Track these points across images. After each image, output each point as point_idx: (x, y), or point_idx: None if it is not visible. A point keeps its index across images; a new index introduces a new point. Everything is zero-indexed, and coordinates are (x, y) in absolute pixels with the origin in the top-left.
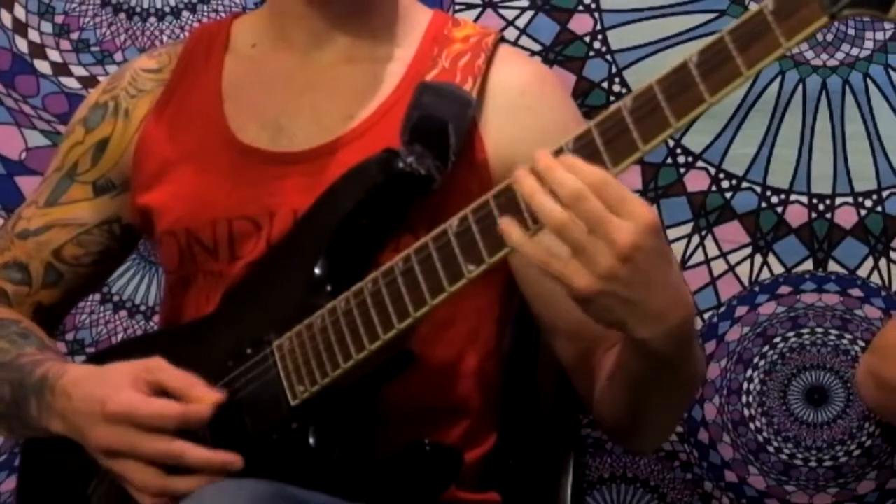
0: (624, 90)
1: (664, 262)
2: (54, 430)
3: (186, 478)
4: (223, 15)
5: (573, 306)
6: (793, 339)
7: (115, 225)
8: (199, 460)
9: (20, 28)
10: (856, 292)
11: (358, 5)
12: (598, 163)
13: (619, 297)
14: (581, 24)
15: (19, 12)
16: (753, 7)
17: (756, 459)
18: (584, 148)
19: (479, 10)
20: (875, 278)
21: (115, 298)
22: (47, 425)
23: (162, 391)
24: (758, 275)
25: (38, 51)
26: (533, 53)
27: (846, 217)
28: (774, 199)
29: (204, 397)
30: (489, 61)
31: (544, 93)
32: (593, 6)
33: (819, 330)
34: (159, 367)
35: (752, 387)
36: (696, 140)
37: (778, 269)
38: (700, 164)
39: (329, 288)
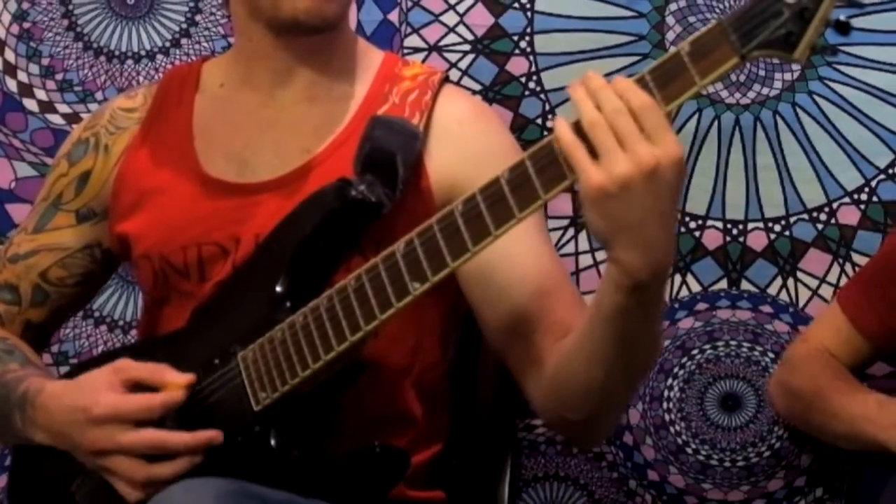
0: None
1: (672, 200)
2: (38, 440)
3: (168, 464)
4: (194, 58)
5: (515, 301)
6: (709, 351)
7: (95, 249)
8: (182, 443)
9: (10, 70)
10: (766, 309)
11: (321, 42)
12: (530, 191)
13: (621, 208)
14: (518, 66)
15: (9, 55)
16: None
17: (676, 460)
18: (518, 177)
19: (426, 53)
20: (783, 296)
21: (96, 314)
22: (32, 437)
23: (136, 386)
24: (677, 292)
25: (26, 90)
26: (474, 92)
27: (757, 240)
28: (692, 225)
29: (176, 379)
30: (435, 97)
31: (480, 122)
32: (529, 50)
33: (733, 343)
34: (128, 366)
35: (672, 394)
36: None
37: (695, 287)
38: None
39: (289, 304)
